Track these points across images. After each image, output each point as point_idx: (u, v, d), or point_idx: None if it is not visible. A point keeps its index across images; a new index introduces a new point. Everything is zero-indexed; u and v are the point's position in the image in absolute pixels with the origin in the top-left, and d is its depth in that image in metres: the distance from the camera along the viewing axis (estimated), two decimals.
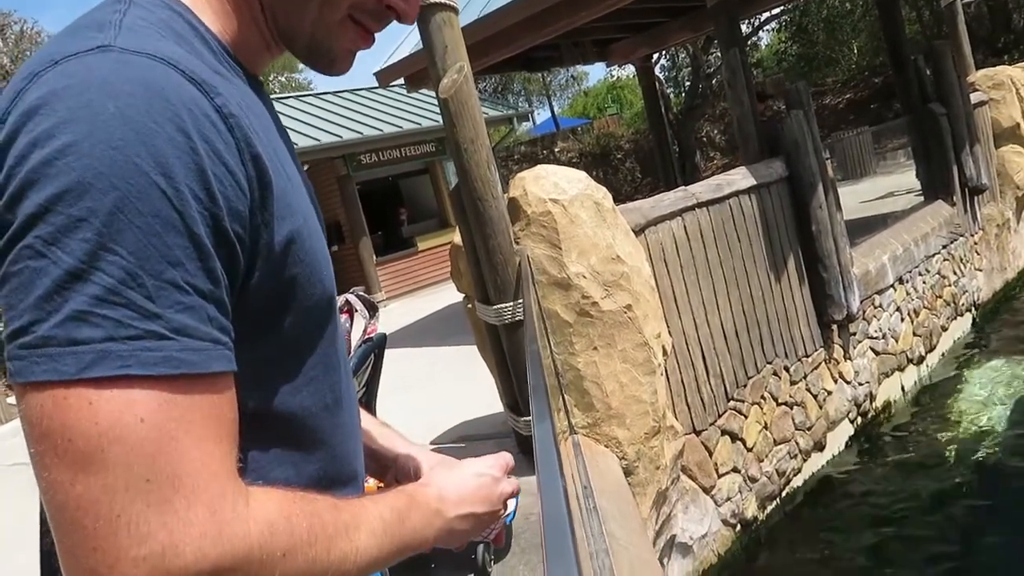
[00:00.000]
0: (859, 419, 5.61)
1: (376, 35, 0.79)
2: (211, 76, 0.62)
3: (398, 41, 7.37)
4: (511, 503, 2.72)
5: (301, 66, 35.13)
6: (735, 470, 4.43)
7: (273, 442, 0.71)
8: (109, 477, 0.52)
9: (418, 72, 7.08)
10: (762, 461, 4.67)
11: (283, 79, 33.75)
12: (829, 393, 5.31)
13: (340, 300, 2.71)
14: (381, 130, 12.61)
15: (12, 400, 7.75)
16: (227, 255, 0.60)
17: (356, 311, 2.74)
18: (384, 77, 7.29)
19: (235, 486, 0.58)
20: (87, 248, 0.53)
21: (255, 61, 0.77)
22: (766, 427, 4.73)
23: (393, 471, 0.99)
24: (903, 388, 6.12)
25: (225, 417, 0.59)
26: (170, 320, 0.55)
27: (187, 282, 0.56)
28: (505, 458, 0.92)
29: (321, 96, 14.73)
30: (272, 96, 12.69)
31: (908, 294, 6.34)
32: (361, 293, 2.84)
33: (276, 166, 0.66)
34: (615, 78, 33.28)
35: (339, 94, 14.72)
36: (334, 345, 0.78)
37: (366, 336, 2.74)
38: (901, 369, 6.11)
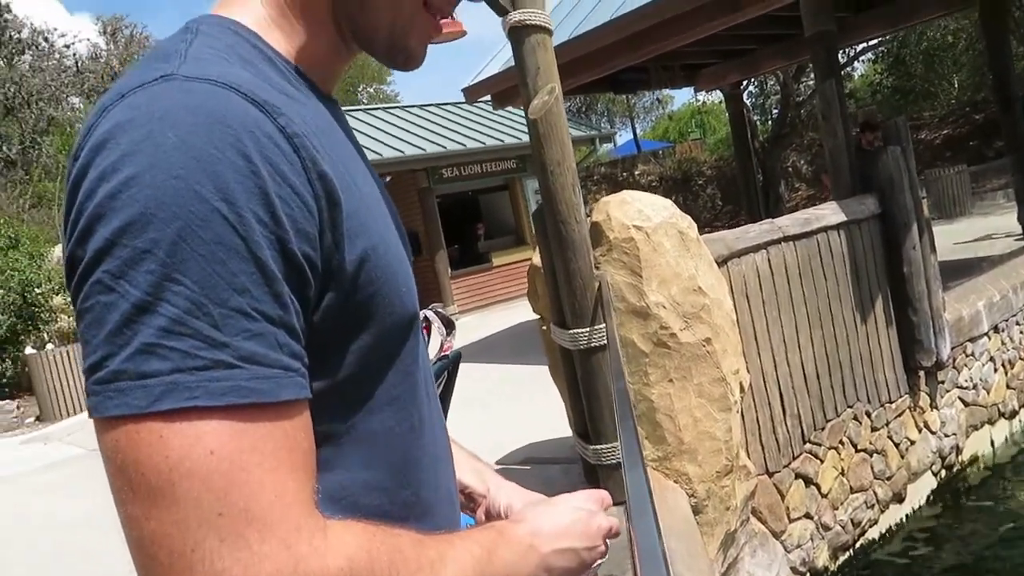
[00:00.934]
0: (943, 472, 5.34)
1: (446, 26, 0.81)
2: (276, 97, 0.62)
3: (487, 59, 7.46)
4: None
5: (390, 78, 35.98)
6: (807, 516, 4.26)
7: (361, 468, 0.69)
8: (181, 511, 0.51)
9: (505, 90, 7.15)
10: (837, 509, 4.48)
11: (371, 90, 34.60)
12: (912, 443, 5.07)
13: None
14: (464, 145, 12.76)
15: None
16: (297, 278, 0.59)
17: (433, 326, 2.75)
18: (472, 94, 7.37)
19: (312, 519, 0.56)
20: (152, 280, 0.52)
21: (327, 76, 0.77)
22: (843, 473, 4.55)
23: (484, 507, 0.95)
24: (993, 443, 5.80)
25: (299, 446, 0.57)
26: (238, 348, 0.54)
27: (254, 308, 0.55)
28: (601, 494, 0.86)
29: (408, 109, 15.02)
30: (360, 108, 13.04)
31: (1003, 344, 6.02)
32: (439, 310, 2.85)
33: (347, 184, 0.65)
34: (700, 103, 32.90)
35: (425, 108, 14.98)
36: (416, 363, 0.76)
37: (442, 353, 2.75)
38: (992, 422, 5.80)
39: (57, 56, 25.94)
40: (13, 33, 24.85)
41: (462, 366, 3.53)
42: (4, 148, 22.98)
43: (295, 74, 0.71)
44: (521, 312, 10.52)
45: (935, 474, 5.26)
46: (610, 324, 2.24)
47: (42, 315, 11.77)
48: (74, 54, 26.45)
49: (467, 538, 0.69)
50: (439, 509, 0.78)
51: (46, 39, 25.76)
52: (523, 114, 13.29)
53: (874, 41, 16.36)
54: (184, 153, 0.54)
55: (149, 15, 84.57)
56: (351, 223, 0.64)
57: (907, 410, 5.05)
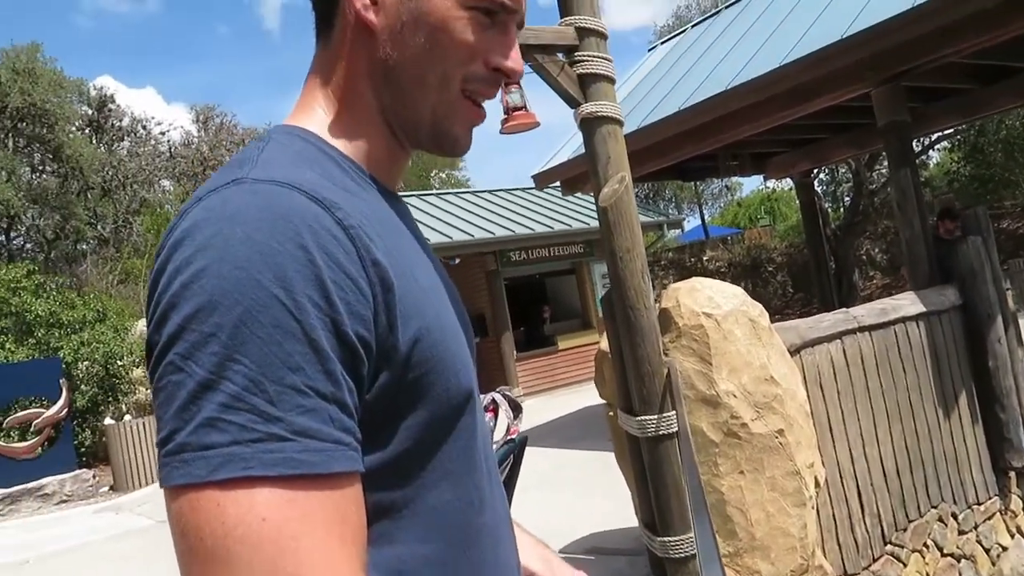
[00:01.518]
0: None
1: (488, 109, 0.84)
2: (335, 193, 0.67)
3: (557, 146, 7.64)
4: None
5: (461, 164, 37.08)
6: None
7: (419, 541, 0.71)
8: (234, 574, 0.54)
9: (574, 176, 7.29)
10: None
11: (443, 175, 35.67)
12: (1004, 549, 4.74)
13: (486, 399, 2.74)
14: (532, 229, 12.97)
15: None
16: (350, 357, 0.62)
17: (500, 409, 2.75)
18: (541, 180, 7.54)
19: None
20: (215, 360, 0.57)
21: (389, 171, 0.83)
22: None
23: None
24: None
25: (350, 518, 0.60)
26: (291, 423, 0.57)
27: (308, 386, 0.58)
28: None
29: (478, 194, 15.40)
30: (432, 192, 13.46)
31: None
32: (507, 393, 2.85)
33: (402, 270, 0.69)
34: (770, 189, 32.78)
35: (495, 192, 15.34)
36: (474, 442, 0.78)
37: (508, 436, 2.74)
38: None
39: (153, 142, 27.70)
40: (115, 121, 26.73)
41: (526, 449, 3.50)
42: (99, 227, 24.41)
43: (358, 171, 0.78)
44: (586, 396, 10.41)
45: None
46: (681, 412, 2.21)
47: (122, 387, 12.20)
48: (168, 140, 28.23)
49: None
50: None
51: (144, 127, 27.60)
52: (591, 199, 13.49)
53: (949, 130, 16.16)
54: (248, 247, 0.60)
55: (238, 104, 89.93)
56: (404, 305, 0.67)
57: (997, 513, 4.75)
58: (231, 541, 0.55)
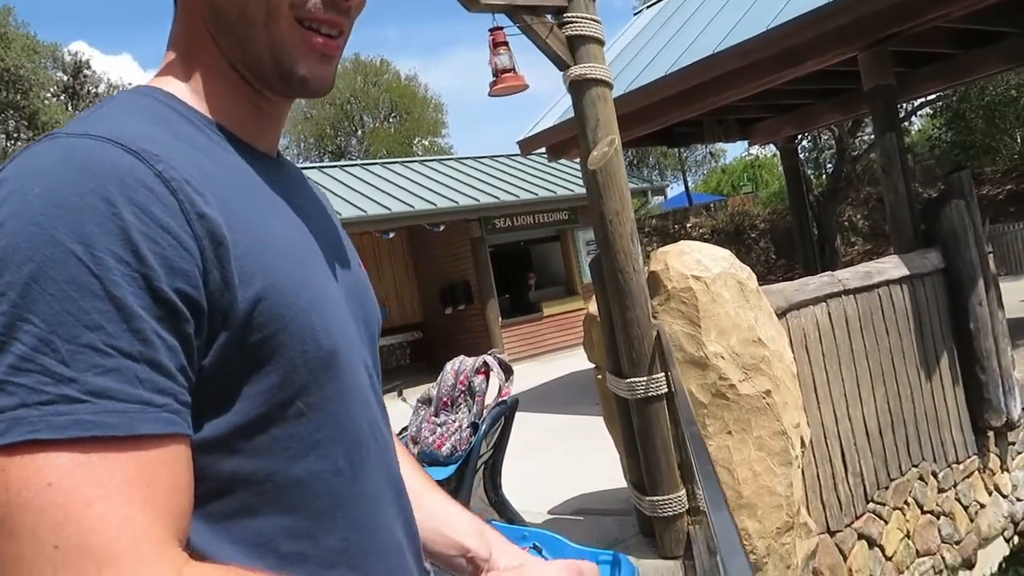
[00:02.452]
0: (1016, 539, 5.09)
1: (337, 36, 0.76)
2: (168, 147, 0.64)
3: (543, 112, 7.60)
4: None
5: (444, 131, 36.76)
6: None
7: (281, 513, 0.68)
8: (18, 543, 0.52)
9: (560, 142, 7.26)
10: (902, 573, 4.30)
11: (426, 143, 35.39)
12: (982, 506, 4.86)
13: (478, 361, 2.76)
14: (517, 196, 12.92)
15: None
16: (168, 314, 0.59)
17: (492, 372, 2.77)
18: (527, 146, 7.50)
19: (162, 556, 0.55)
20: (3, 321, 0.55)
21: (256, 129, 0.79)
22: (908, 536, 4.38)
23: (486, 573, 0.94)
24: None
25: (159, 481, 0.57)
26: (86, 383, 0.54)
27: (109, 344, 0.56)
28: (585, 568, 0.77)
29: (462, 160, 15.31)
30: (415, 159, 13.30)
31: None
32: (499, 356, 2.87)
33: (245, 226, 0.66)
34: (753, 156, 32.82)
35: (479, 159, 15.25)
36: (346, 407, 0.74)
37: (500, 398, 2.76)
38: None
39: None
40: (91, 88, 26.23)
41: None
42: None
43: (214, 129, 0.74)
44: (571, 362, 10.49)
45: (1007, 540, 5.02)
46: (675, 372, 2.23)
47: None
48: None
49: None
50: (380, 557, 0.76)
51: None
52: (576, 166, 13.43)
53: (932, 96, 16.20)
54: (45, 201, 0.57)
55: None
56: (244, 262, 0.65)
57: (976, 471, 4.86)
58: (14, 507, 0.52)
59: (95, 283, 0.56)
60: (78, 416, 0.54)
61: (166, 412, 0.58)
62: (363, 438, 0.76)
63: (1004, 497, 5.03)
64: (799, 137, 11.31)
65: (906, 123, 20.26)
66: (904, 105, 16.54)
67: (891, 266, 4.57)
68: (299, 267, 0.71)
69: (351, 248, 0.90)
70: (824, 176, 21.62)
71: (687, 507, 3.25)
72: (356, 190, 12.33)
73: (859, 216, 21.16)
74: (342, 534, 0.72)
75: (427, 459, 2.58)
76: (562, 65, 3.23)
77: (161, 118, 0.69)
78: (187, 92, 0.75)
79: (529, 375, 10.21)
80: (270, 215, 0.72)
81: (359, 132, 35.24)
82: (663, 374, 3.22)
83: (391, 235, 12.33)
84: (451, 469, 2.54)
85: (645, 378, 3.23)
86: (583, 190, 3.41)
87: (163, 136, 0.66)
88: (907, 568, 4.33)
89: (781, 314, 3.75)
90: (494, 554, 0.95)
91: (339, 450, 0.72)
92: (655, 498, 3.24)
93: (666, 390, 3.24)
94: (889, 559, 4.21)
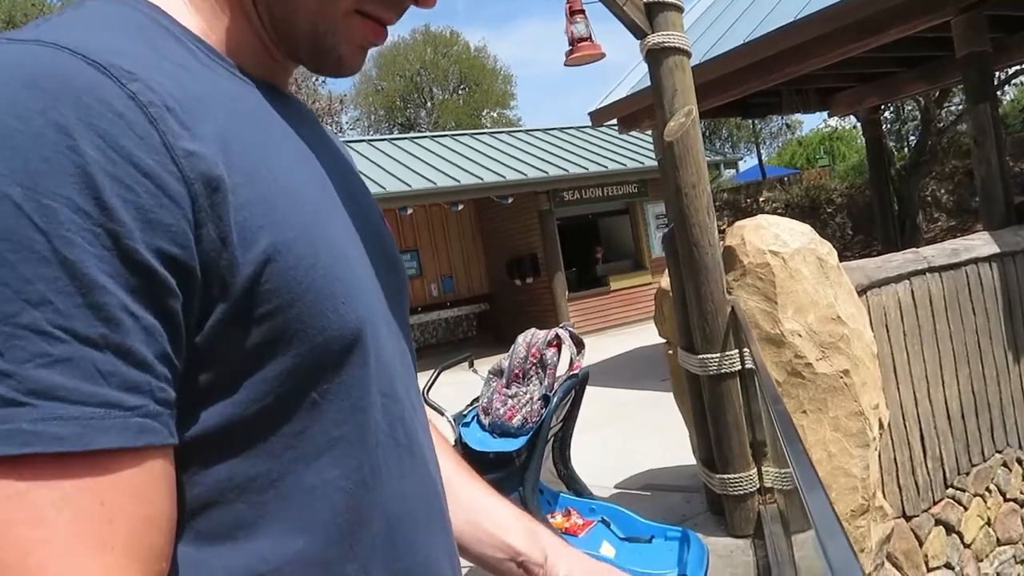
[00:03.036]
0: None
1: (389, 29, 0.64)
2: (142, 63, 0.48)
3: (615, 83, 7.48)
4: (700, 563, 2.61)
5: (513, 103, 36.64)
6: (948, 566, 3.98)
7: (290, 533, 0.53)
8: None
9: (632, 114, 7.14)
10: (981, 561, 4.16)
11: (495, 115, 35.35)
12: None
13: (551, 334, 2.76)
14: (586, 168, 12.81)
15: None
16: (146, 284, 0.44)
17: (564, 344, 2.77)
18: (598, 117, 7.41)
19: None
20: None
21: (262, 66, 0.62)
22: (989, 523, 4.22)
23: None
24: None
25: (123, 514, 0.43)
26: (25, 379, 0.40)
27: (59, 326, 0.41)
28: None
29: (531, 132, 15.24)
30: (483, 131, 13.27)
31: None
32: (571, 329, 2.86)
33: (250, 167, 0.51)
34: (831, 128, 31.71)
35: (548, 131, 15.15)
36: (372, 398, 0.59)
37: (571, 371, 2.76)
38: None
39: None
40: None
41: None
42: None
43: (208, 52, 0.57)
44: (638, 337, 10.42)
45: None
46: (755, 349, 2.19)
47: None
48: None
49: None
50: None
51: None
52: (646, 138, 13.17)
53: None
54: None
55: None
56: (248, 213, 0.50)
57: None
58: None
59: (41, 242, 0.41)
60: (12, 425, 0.40)
61: (137, 417, 0.43)
62: (395, 436, 0.61)
63: None
64: (882, 107, 10.86)
65: (999, 92, 19.24)
66: (998, 73, 15.68)
67: (980, 243, 4.37)
68: (316, 221, 0.56)
69: (375, 204, 0.73)
70: (906, 149, 20.75)
71: (758, 486, 3.21)
72: (425, 162, 12.41)
73: (943, 191, 20.27)
74: (362, 561, 0.56)
75: (498, 430, 2.60)
76: (639, 33, 3.16)
77: (139, 30, 0.53)
78: (180, 7, 0.58)
79: (596, 349, 10.19)
80: (279, 155, 0.56)
81: (428, 104, 35.42)
82: (736, 351, 3.16)
83: (460, 207, 12.39)
84: (522, 441, 2.56)
85: (718, 355, 3.18)
86: (653, 163, 3.38)
87: (140, 50, 0.50)
88: (987, 556, 4.18)
89: (861, 291, 3.63)
90: (550, 559, 0.79)
91: (362, 452, 0.57)
92: (726, 476, 3.20)
93: (739, 367, 3.19)
94: (968, 546, 4.07)
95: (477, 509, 0.80)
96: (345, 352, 0.56)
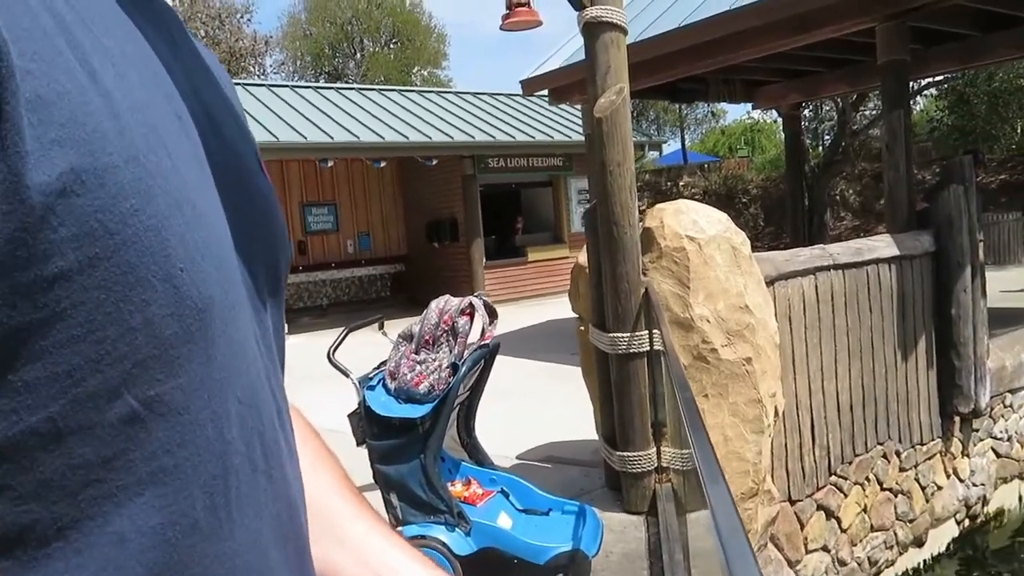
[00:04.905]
0: (966, 522, 5.23)
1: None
2: None
3: (550, 53, 7.42)
4: (594, 538, 2.65)
5: (445, 63, 36.04)
6: (825, 549, 4.19)
7: None
8: None
9: (564, 86, 7.11)
10: (855, 545, 4.41)
11: (425, 73, 34.71)
12: (939, 488, 4.97)
13: (464, 301, 2.72)
14: (513, 137, 12.74)
15: None
16: None
17: (477, 313, 2.74)
18: (529, 86, 7.34)
19: None
20: None
21: None
22: (865, 510, 4.47)
23: None
24: (1021, 498, 5.66)
25: None
26: None
27: None
28: None
29: (461, 95, 15.03)
30: (412, 88, 12.97)
31: None
32: (485, 298, 2.83)
33: (48, 52, 0.34)
34: (753, 120, 32.54)
35: (479, 95, 14.97)
36: (217, 408, 0.41)
37: (482, 341, 2.74)
38: (1022, 478, 5.66)
39: None
40: None
41: None
42: None
43: None
44: (552, 309, 10.50)
45: (958, 523, 5.15)
46: (666, 332, 2.20)
47: None
48: None
49: None
50: None
51: None
52: (575, 112, 13.20)
53: (940, 77, 16.04)
54: None
55: None
56: (42, 116, 0.33)
57: (938, 454, 4.95)
58: None
59: None
60: None
61: None
62: (252, 458, 0.44)
63: (961, 481, 5.14)
64: (803, 105, 11.18)
65: (911, 101, 20.08)
66: (912, 83, 16.35)
67: (883, 245, 4.55)
68: (157, 154, 0.39)
69: (254, 150, 0.56)
70: (821, 148, 21.49)
71: (656, 465, 3.28)
72: (350, 114, 12.09)
73: (851, 191, 21.14)
74: None
75: (404, 395, 2.56)
76: (578, 4, 3.11)
77: None
78: None
79: (510, 319, 10.22)
80: (115, 63, 0.39)
81: (358, 55, 34.44)
82: (647, 332, 3.20)
83: (382, 164, 12.15)
84: (427, 408, 2.52)
85: (628, 334, 3.21)
86: (580, 138, 3.36)
87: None
88: (860, 541, 4.43)
89: (770, 282, 3.73)
90: None
91: (197, 486, 0.40)
92: (625, 454, 3.25)
93: (647, 348, 3.23)
94: (844, 531, 4.30)
95: (370, 551, 0.65)
96: (181, 342, 0.38)
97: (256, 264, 0.50)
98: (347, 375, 2.70)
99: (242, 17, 26.77)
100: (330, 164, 11.52)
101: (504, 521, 2.60)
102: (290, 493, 0.49)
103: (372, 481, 2.68)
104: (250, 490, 0.44)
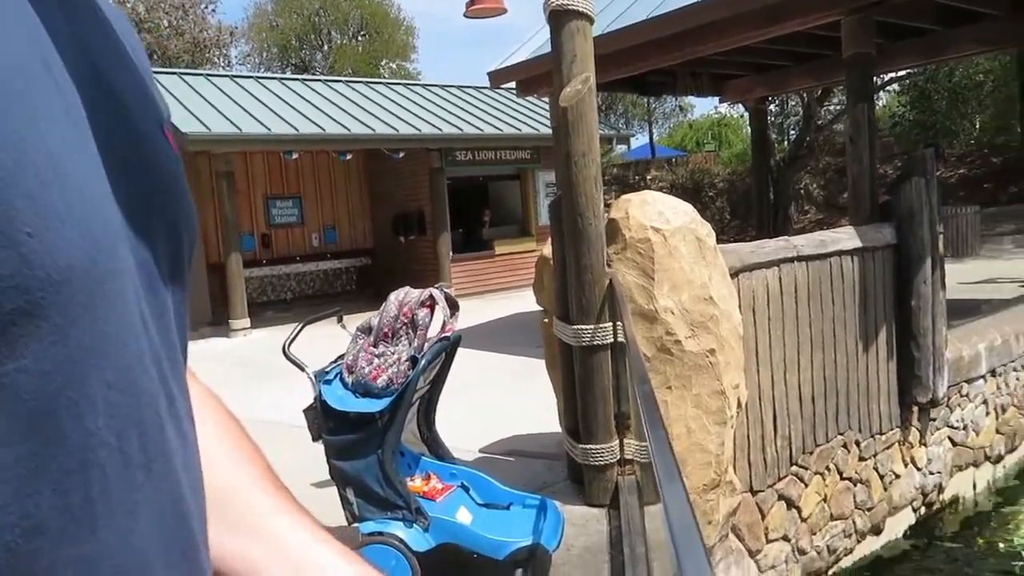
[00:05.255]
0: (923, 509, 5.31)
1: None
2: None
3: (517, 45, 7.38)
4: (555, 532, 2.63)
5: (413, 55, 35.78)
6: (785, 538, 4.22)
7: None
8: None
9: (531, 78, 7.07)
10: (815, 534, 4.44)
11: (394, 66, 34.44)
12: (897, 476, 5.03)
13: (424, 293, 2.67)
14: (481, 129, 12.67)
15: None
16: None
17: (438, 305, 2.69)
18: (497, 78, 7.29)
19: None
20: None
21: None
22: (825, 500, 4.51)
23: None
24: (975, 486, 5.77)
25: None
26: None
27: None
28: None
29: (428, 87, 14.90)
30: (380, 80, 12.79)
31: (999, 388, 5.99)
32: (446, 290, 2.78)
33: None
34: (721, 115, 32.80)
35: (447, 88, 14.86)
36: (75, 394, 0.36)
37: (443, 334, 2.69)
38: (977, 465, 5.77)
39: None
40: None
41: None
42: None
43: None
44: (518, 303, 10.47)
45: (915, 510, 5.23)
46: (628, 325, 2.18)
47: None
48: None
49: None
50: None
51: None
52: (544, 105, 13.13)
53: (902, 72, 16.30)
54: None
55: None
56: None
57: (896, 443, 5.01)
58: None
59: None
60: None
61: None
62: (126, 450, 0.39)
63: (918, 470, 5.22)
64: (769, 100, 11.27)
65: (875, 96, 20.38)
66: (875, 79, 16.56)
67: (845, 236, 4.59)
68: (8, 101, 0.34)
69: (158, 113, 0.50)
70: (786, 143, 21.74)
71: (618, 457, 3.26)
72: (316, 106, 11.92)
73: (815, 185, 21.41)
74: None
75: (362, 389, 2.50)
76: None
77: None
78: None
79: (475, 312, 10.18)
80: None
81: (325, 47, 34.05)
82: (611, 324, 3.18)
83: (348, 156, 12.01)
84: (385, 402, 2.47)
85: (592, 326, 3.19)
86: (548, 131, 3.33)
87: None
88: (820, 530, 4.47)
89: (734, 274, 3.73)
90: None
91: (44, 483, 0.35)
92: (588, 446, 3.23)
93: (611, 340, 3.21)
94: (804, 520, 4.33)
95: (292, 546, 0.60)
96: (25, 317, 0.34)
97: (153, 239, 0.45)
98: (302, 369, 2.64)
99: (207, 7, 26.27)
100: (295, 156, 11.36)
101: (464, 516, 2.57)
102: (178, 489, 0.45)
103: (328, 477, 2.62)
104: (121, 486, 0.39)
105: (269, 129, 10.43)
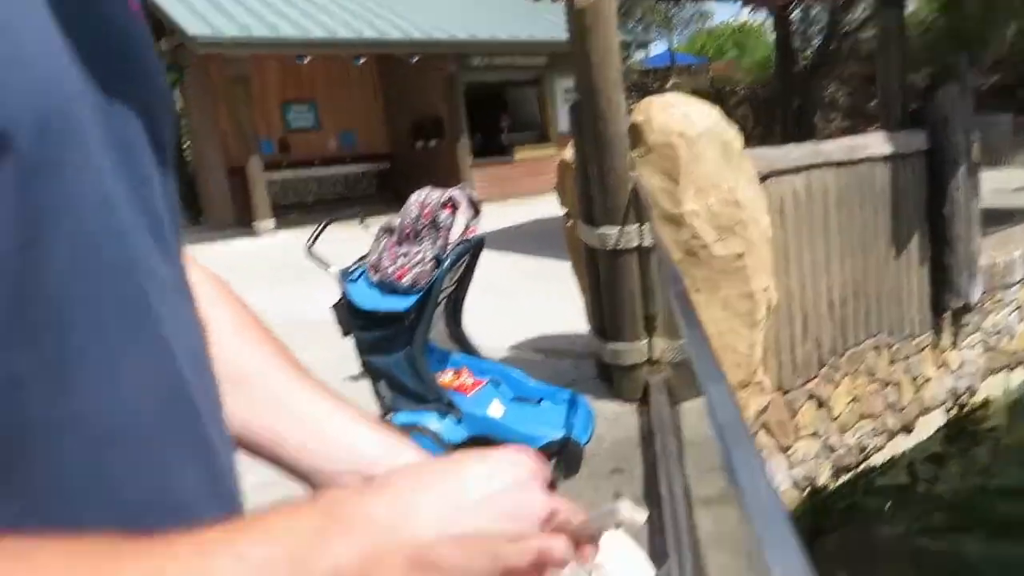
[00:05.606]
0: (955, 411, 5.35)
1: None
2: None
3: None
4: (586, 427, 2.63)
5: None
6: (815, 435, 4.27)
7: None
8: None
9: None
10: (845, 432, 4.49)
11: None
12: (928, 380, 5.06)
13: (445, 195, 2.62)
14: (497, 35, 12.30)
15: None
16: None
17: (460, 207, 2.64)
18: None
19: None
20: None
21: None
22: (855, 400, 4.53)
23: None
24: (1007, 390, 5.78)
25: None
26: None
27: None
28: (529, 463, 0.49)
29: None
30: None
31: None
32: (470, 193, 2.73)
33: None
34: (741, 22, 31.67)
35: None
36: (44, 243, 0.36)
37: (465, 236, 2.65)
38: (1010, 369, 5.77)
39: None
40: None
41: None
42: None
43: None
44: (539, 208, 10.36)
45: (947, 411, 5.28)
46: (655, 227, 2.12)
47: None
48: None
49: (236, 539, 0.37)
50: (185, 516, 0.40)
51: None
52: (562, 10, 12.69)
53: None
54: None
55: None
56: None
57: (928, 347, 5.02)
58: None
59: None
60: None
61: None
62: (98, 314, 0.38)
63: (951, 373, 5.23)
64: (793, 5, 10.82)
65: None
66: None
67: (876, 142, 4.45)
68: None
69: None
70: (809, 52, 21.03)
71: (647, 357, 3.25)
72: (326, 10, 11.57)
73: (841, 93, 20.80)
74: (29, 501, 0.36)
75: (387, 289, 2.49)
76: None
77: None
78: None
79: (499, 215, 10.09)
80: None
81: None
82: (636, 226, 3.12)
83: (362, 61, 11.73)
84: (412, 300, 2.46)
85: (617, 229, 3.13)
86: (564, 36, 3.18)
87: None
88: (850, 428, 4.51)
89: (762, 179, 3.64)
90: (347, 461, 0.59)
91: (20, 334, 0.35)
92: (616, 345, 3.23)
93: (637, 243, 3.16)
94: (834, 419, 4.37)
95: (309, 415, 0.59)
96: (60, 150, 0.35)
97: (124, 110, 0.42)
98: (327, 268, 2.62)
99: None
100: (306, 60, 11.11)
101: (495, 410, 2.58)
102: (172, 363, 0.43)
103: (359, 372, 2.64)
104: (99, 349, 0.38)
105: (278, 33, 10.17)
